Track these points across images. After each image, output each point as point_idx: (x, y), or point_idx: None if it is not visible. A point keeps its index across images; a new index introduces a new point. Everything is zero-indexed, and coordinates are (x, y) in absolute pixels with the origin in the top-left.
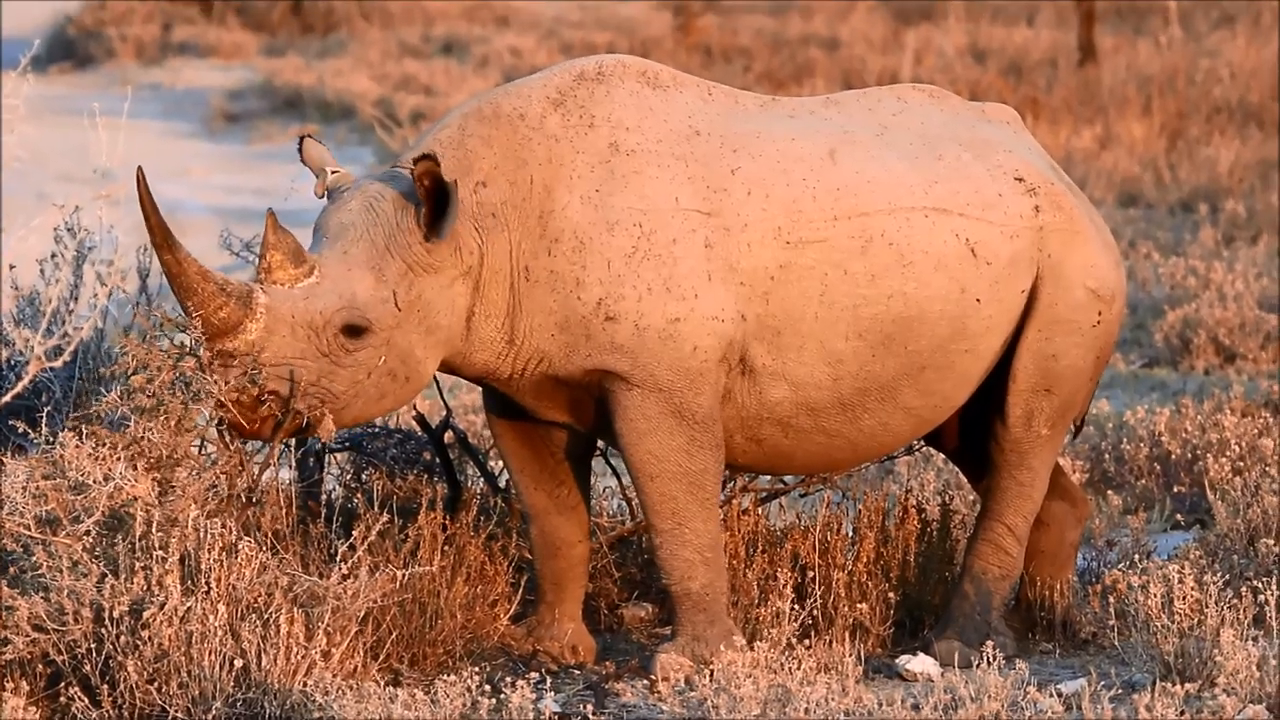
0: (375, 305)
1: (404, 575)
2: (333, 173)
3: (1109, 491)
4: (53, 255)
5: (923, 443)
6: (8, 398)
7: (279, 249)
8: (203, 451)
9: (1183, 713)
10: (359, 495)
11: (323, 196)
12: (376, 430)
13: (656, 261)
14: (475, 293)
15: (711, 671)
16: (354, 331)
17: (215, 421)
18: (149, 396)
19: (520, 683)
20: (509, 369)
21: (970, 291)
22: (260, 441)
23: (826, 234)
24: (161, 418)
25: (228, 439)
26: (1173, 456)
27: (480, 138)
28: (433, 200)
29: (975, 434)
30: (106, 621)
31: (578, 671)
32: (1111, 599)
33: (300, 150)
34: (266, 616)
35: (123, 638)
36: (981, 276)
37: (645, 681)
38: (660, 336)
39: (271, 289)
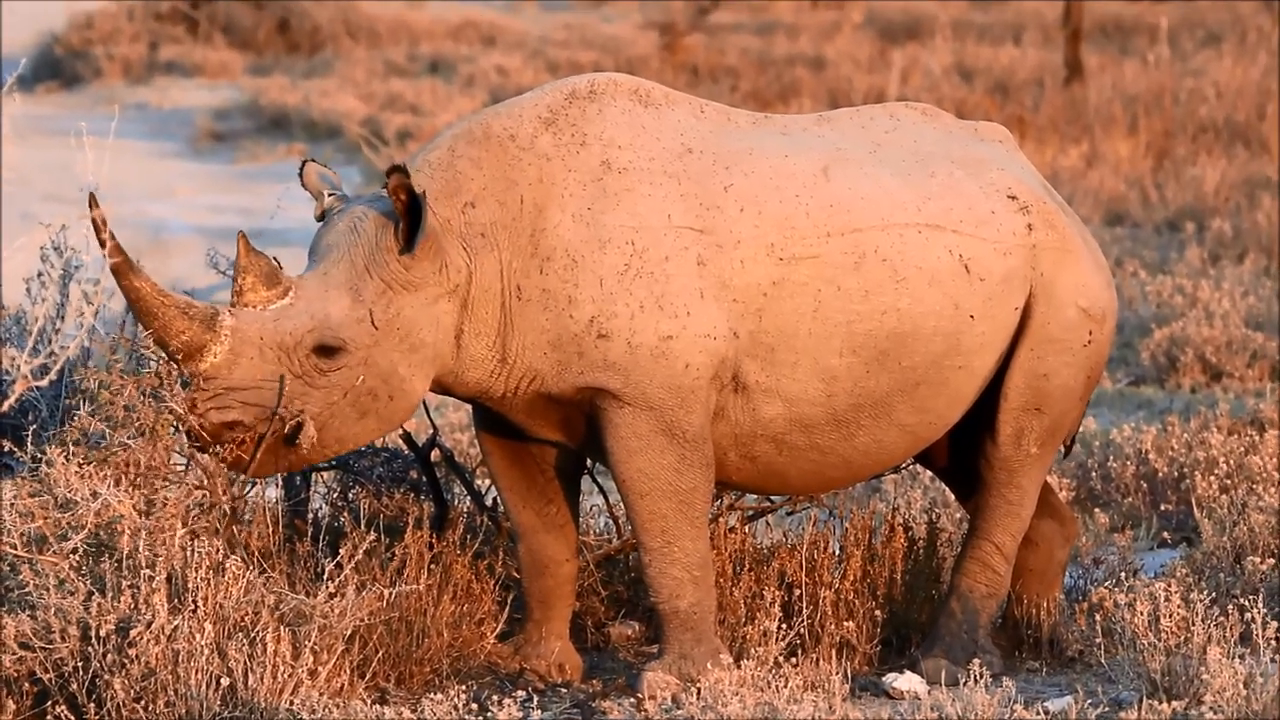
0: (350, 325)
1: (391, 594)
2: (330, 195)
3: (1096, 509)
4: (39, 274)
5: (911, 461)
6: None
7: (250, 271)
8: (188, 469)
9: None
10: (346, 514)
11: (320, 219)
12: (363, 449)
13: (649, 279)
14: (464, 311)
15: (698, 690)
16: (327, 351)
17: (188, 441)
18: (124, 409)
19: (507, 701)
20: (502, 387)
21: (964, 308)
22: (242, 472)
23: (819, 250)
24: (135, 427)
25: (205, 460)
26: (1159, 474)
27: (470, 159)
28: (409, 214)
29: (965, 452)
30: (93, 640)
31: (564, 690)
32: (1098, 617)
33: (301, 174)
34: (253, 635)
35: (109, 656)
36: (975, 293)
37: (632, 700)
38: (652, 354)
39: (240, 311)
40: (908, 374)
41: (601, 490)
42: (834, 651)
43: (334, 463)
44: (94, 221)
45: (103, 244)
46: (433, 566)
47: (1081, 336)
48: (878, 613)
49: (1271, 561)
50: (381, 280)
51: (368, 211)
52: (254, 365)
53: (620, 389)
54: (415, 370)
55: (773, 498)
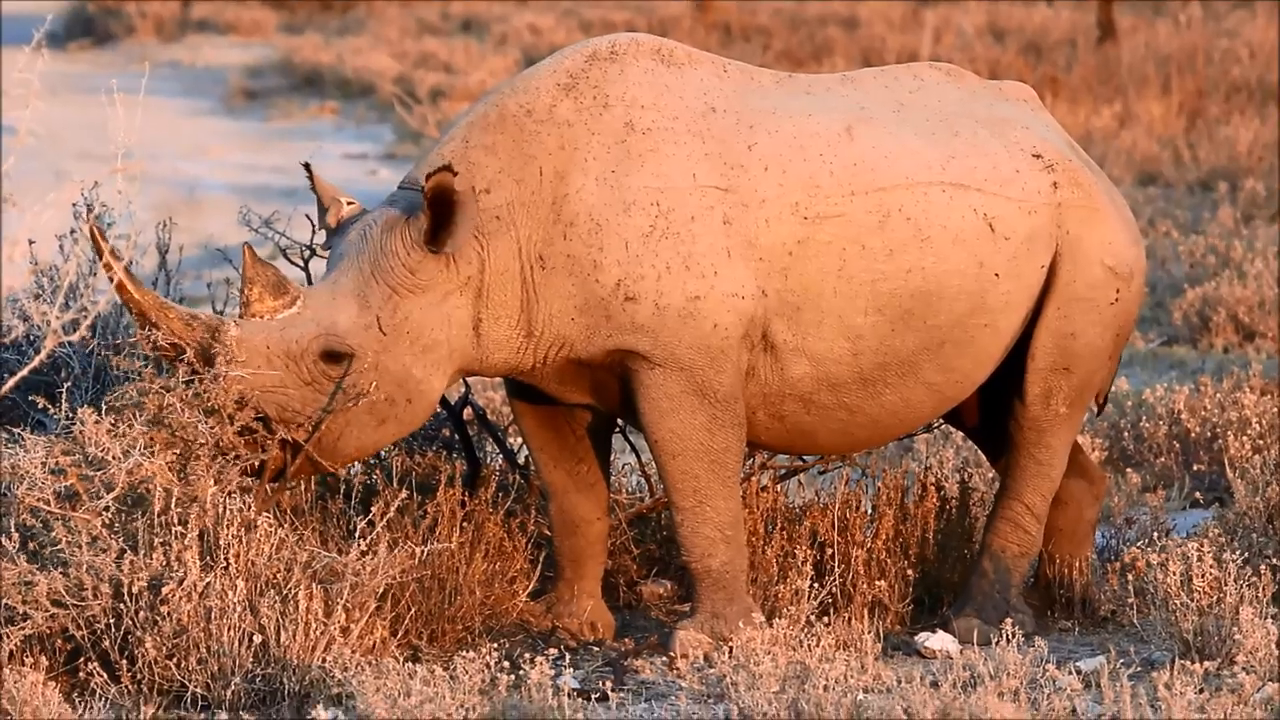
0: (357, 332)
1: (423, 552)
2: (348, 204)
3: (1128, 469)
4: (71, 231)
5: (942, 421)
6: (24, 372)
7: (257, 282)
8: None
9: (1201, 690)
10: (378, 472)
11: (335, 227)
12: None
13: (675, 240)
14: (479, 300)
15: (730, 649)
16: (335, 358)
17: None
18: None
19: (539, 659)
20: (531, 360)
21: (988, 266)
22: (277, 480)
23: (844, 209)
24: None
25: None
26: (1192, 435)
27: (483, 148)
28: (435, 210)
29: (994, 412)
30: (125, 597)
31: (596, 648)
32: (1130, 577)
33: (310, 179)
34: (285, 592)
35: (142, 613)
36: (999, 251)
37: (664, 658)
38: (680, 315)
39: (246, 321)
40: (933, 333)
41: (633, 449)
42: (866, 611)
43: None
44: (92, 236)
45: (99, 252)
46: (465, 525)
47: (1108, 295)
48: (910, 572)
49: None
50: (388, 286)
51: (378, 217)
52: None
53: (649, 350)
54: (431, 371)
55: (804, 457)
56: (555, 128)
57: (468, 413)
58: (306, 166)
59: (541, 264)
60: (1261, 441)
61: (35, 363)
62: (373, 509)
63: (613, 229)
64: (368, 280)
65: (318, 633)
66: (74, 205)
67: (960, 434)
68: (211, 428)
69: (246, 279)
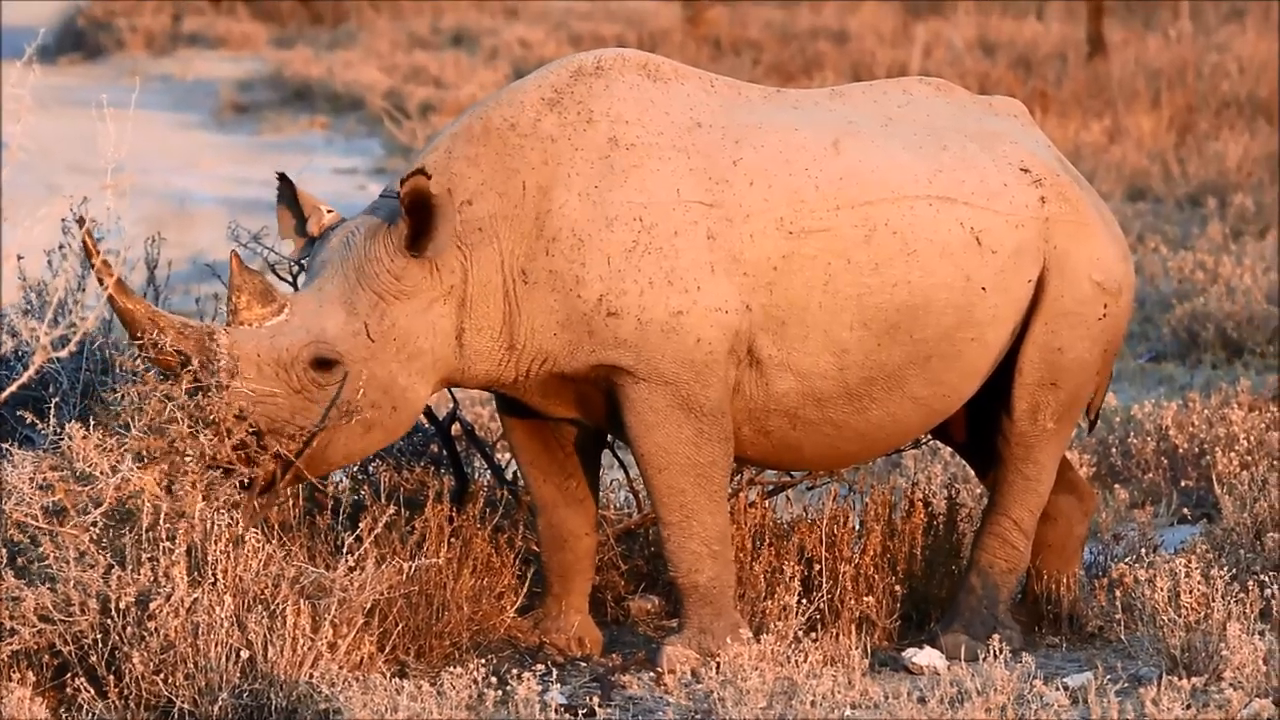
0: (346, 338)
1: (410, 567)
2: (328, 212)
3: (1116, 485)
4: (60, 246)
5: (930, 436)
6: (13, 388)
7: (245, 289)
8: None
9: (1189, 707)
10: (366, 487)
11: (317, 235)
12: None
13: (658, 255)
14: (462, 310)
15: (718, 664)
16: (324, 365)
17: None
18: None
19: (526, 675)
20: (513, 373)
21: (976, 280)
22: (267, 491)
23: (829, 223)
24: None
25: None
26: (1180, 450)
27: (466, 159)
28: (414, 216)
29: (982, 428)
30: (113, 612)
31: (584, 664)
32: (1118, 593)
33: (291, 189)
34: (273, 608)
35: (129, 629)
36: (987, 265)
37: (651, 674)
38: (663, 330)
39: (236, 330)
40: (919, 347)
41: (622, 464)
42: (854, 626)
43: None
44: (85, 244)
45: (91, 260)
46: (453, 540)
47: (1096, 310)
48: (897, 588)
49: None
50: (374, 292)
51: (361, 224)
52: (252, 383)
53: (633, 365)
54: (416, 379)
55: (792, 472)
56: (539, 142)
57: (456, 428)
58: (281, 176)
59: (524, 278)
60: (1249, 457)
61: (24, 378)
62: (360, 525)
63: (595, 244)
64: (354, 287)
65: (305, 648)
66: (63, 220)
67: (948, 449)
68: (211, 441)
69: (234, 286)
